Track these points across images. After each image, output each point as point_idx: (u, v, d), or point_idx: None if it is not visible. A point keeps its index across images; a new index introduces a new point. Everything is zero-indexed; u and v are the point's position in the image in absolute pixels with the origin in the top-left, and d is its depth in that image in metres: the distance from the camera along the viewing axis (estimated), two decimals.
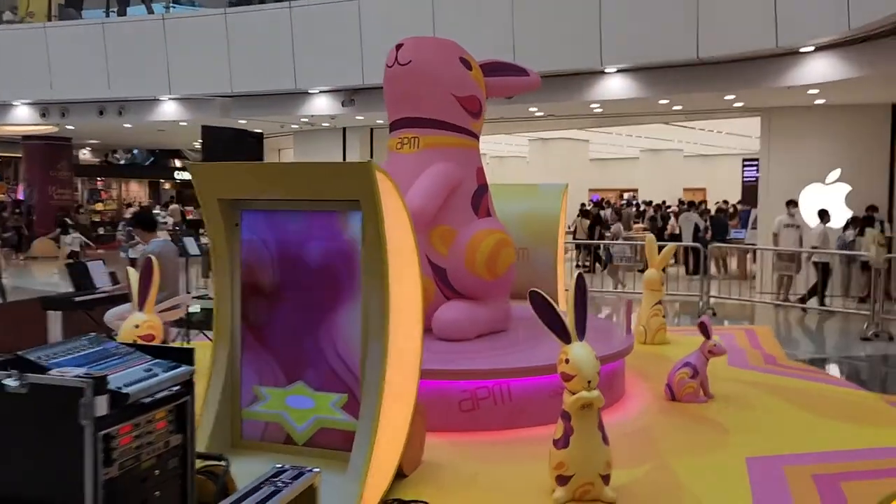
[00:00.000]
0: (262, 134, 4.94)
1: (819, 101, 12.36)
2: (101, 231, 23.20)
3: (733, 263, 15.70)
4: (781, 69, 10.77)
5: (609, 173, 31.04)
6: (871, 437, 5.11)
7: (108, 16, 17.45)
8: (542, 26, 11.66)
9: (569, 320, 4.05)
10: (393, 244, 3.85)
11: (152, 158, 30.79)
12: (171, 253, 6.78)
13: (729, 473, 4.45)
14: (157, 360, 3.18)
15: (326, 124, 16.88)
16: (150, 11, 17.18)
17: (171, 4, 18.33)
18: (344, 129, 17.54)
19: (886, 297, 12.14)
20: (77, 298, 6.46)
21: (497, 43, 11.46)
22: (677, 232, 16.07)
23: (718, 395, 6.01)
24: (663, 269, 8.47)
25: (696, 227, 15.51)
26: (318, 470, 3.09)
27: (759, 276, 13.09)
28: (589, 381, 3.94)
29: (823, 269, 11.29)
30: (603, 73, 11.95)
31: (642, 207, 23.36)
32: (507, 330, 6.39)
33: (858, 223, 12.12)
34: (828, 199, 13.01)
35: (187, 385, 3.10)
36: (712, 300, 11.77)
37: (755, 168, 27.99)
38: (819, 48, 10.21)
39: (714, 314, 10.67)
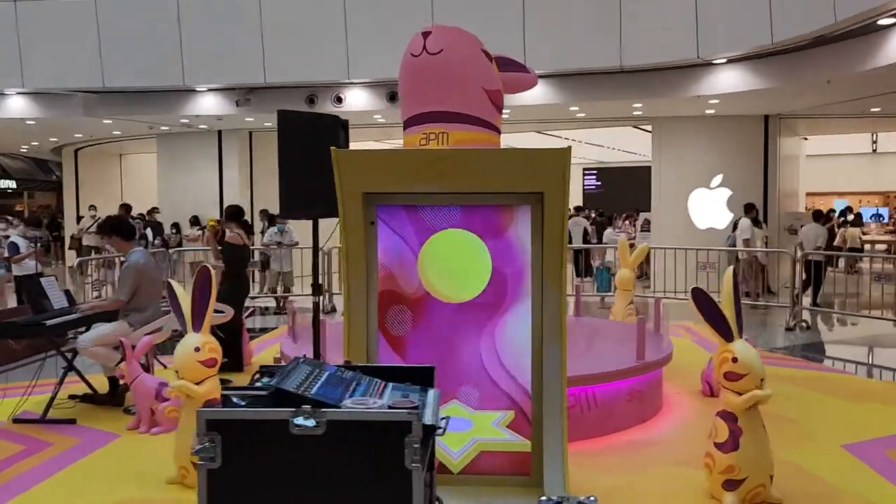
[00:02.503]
0: (347, 121, 4.28)
1: (709, 112, 13.27)
2: None
3: None
4: (692, 79, 11.42)
5: None
6: None
7: None
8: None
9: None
10: None
11: None
12: (153, 266, 5.79)
13: (842, 461, 4.51)
14: (397, 384, 2.62)
15: (204, 126, 15.55)
16: None
17: None
18: (219, 132, 16.26)
19: (767, 291, 13.33)
20: (49, 323, 5.29)
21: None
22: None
23: None
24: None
25: (585, 231, 16.09)
26: (594, 498, 2.69)
27: (662, 276, 13.71)
28: (762, 379, 3.79)
29: (816, 267, 11.58)
30: None
31: None
32: None
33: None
34: (712, 203, 14.03)
35: None
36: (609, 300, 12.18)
37: (594, 177, 29.95)
38: (731, 60, 10.92)
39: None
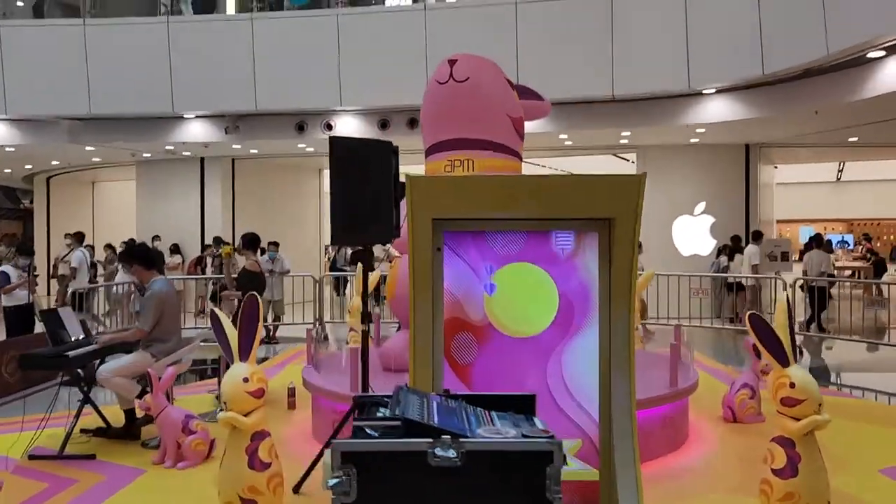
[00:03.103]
0: (397, 146, 4.25)
1: (694, 140, 13.54)
2: None
3: None
4: (681, 109, 11.66)
5: None
6: None
7: None
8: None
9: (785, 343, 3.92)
10: None
11: None
12: (174, 295, 5.65)
13: (886, 487, 4.54)
14: (501, 413, 2.57)
15: (188, 153, 15.36)
16: None
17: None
18: (202, 159, 16.07)
19: None
20: (71, 354, 5.10)
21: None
22: None
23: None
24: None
25: None
26: None
27: (655, 302, 13.82)
28: (819, 404, 3.82)
29: (820, 293, 11.82)
30: None
31: None
32: None
33: (728, 250, 13.43)
34: (696, 229, 14.28)
35: None
36: None
37: None
38: (720, 90, 11.18)
39: None
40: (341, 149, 4.04)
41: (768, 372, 6.00)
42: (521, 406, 2.65)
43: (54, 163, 17.62)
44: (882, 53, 8.86)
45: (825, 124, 11.68)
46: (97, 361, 5.66)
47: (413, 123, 12.70)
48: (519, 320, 3.57)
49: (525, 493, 2.07)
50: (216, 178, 16.22)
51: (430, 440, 2.07)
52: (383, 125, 12.84)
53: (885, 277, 17.73)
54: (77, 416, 5.41)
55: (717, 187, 14.24)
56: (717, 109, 11.42)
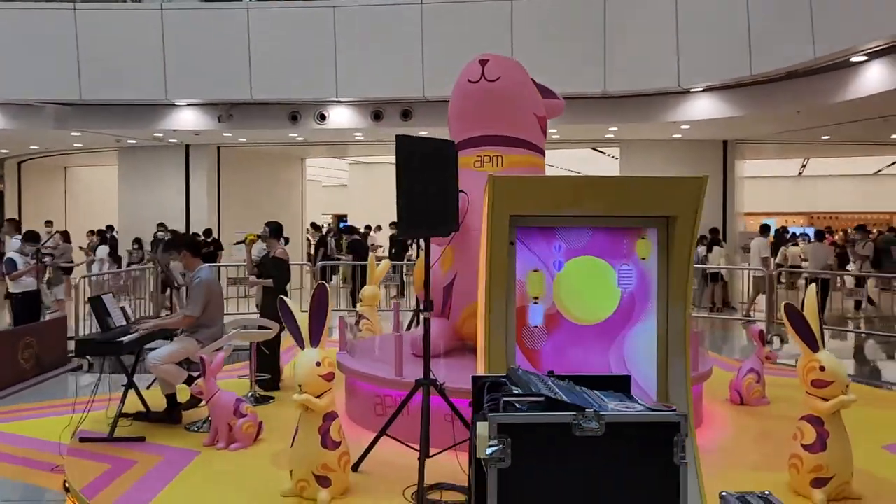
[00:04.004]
0: (455, 143, 4.51)
1: (676, 136, 14.02)
2: None
3: None
4: (669, 106, 12.10)
5: None
6: None
7: None
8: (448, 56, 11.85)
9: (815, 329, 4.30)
10: None
11: None
12: (217, 283, 5.83)
13: (888, 460, 4.99)
14: (605, 392, 2.88)
15: (174, 140, 15.32)
16: None
17: None
18: (187, 146, 16.03)
19: (725, 305, 14.12)
20: (125, 340, 5.26)
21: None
22: None
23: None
24: None
25: None
26: (768, 493, 3.02)
27: None
28: (847, 385, 4.22)
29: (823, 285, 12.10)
30: None
31: None
32: None
33: (706, 241, 13.97)
34: None
35: None
36: None
37: None
38: (707, 88, 11.64)
39: None
40: (407, 147, 4.28)
41: (773, 358, 6.47)
42: (618, 386, 2.97)
43: (33, 147, 17.35)
44: (864, 58, 9.38)
45: (805, 123, 12.24)
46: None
47: (407, 115, 12.92)
48: (584, 309, 3.88)
49: (655, 458, 2.37)
50: (202, 166, 16.20)
51: (575, 413, 2.36)
52: (377, 116, 13.02)
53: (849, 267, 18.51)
54: (122, 400, 5.56)
55: None
56: (702, 107, 11.88)
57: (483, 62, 6.10)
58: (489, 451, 2.33)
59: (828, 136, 14.23)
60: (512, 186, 3.70)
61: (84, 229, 17.36)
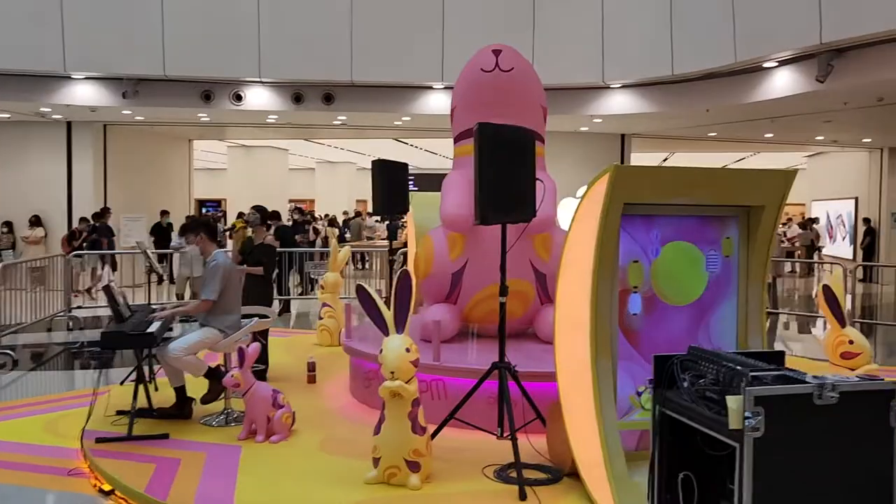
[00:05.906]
0: (535, 132, 4.56)
1: (583, 129, 14.73)
2: None
3: None
4: (590, 100, 12.73)
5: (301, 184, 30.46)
6: None
7: None
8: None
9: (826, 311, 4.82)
10: None
11: None
12: (234, 269, 5.53)
13: None
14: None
15: (58, 116, 14.04)
16: None
17: None
18: (69, 123, 14.74)
19: None
20: (152, 330, 4.85)
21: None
22: None
23: None
24: None
25: None
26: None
27: None
28: (872, 357, 4.77)
29: None
30: None
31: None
32: None
33: None
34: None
35: None
36: None
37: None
38: (625, 85, 12.35)
39: None
40: (488, 133, 4.33)
41: None
42: (775, 361, 3.23)
43: None
44: (775, 64, 10.37)
45: (710, 120, 13.29)
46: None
47: (329, 99, 12.66)
48: (678, 291, 4.14)
49: (876, 421, 2.66)
50: (86, 144, 14.95)
51: (818, 384, 2.59)
52: (297, 99, 12.66)
53: None
54: (135, 396, 5.16)
55: (596, 172, 15.55)
56: (621, 102, 12.59)
57: (496, 52, 6.20)
58: (749, 422, 2.51)
59: (714, 133, 15.50)
60: (631, 175, 3.87)
61: None
